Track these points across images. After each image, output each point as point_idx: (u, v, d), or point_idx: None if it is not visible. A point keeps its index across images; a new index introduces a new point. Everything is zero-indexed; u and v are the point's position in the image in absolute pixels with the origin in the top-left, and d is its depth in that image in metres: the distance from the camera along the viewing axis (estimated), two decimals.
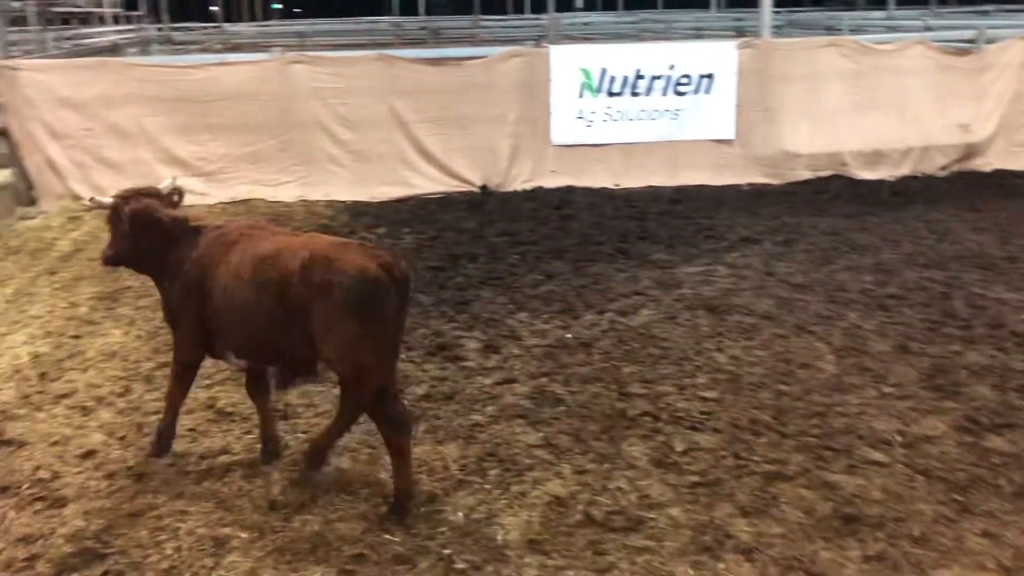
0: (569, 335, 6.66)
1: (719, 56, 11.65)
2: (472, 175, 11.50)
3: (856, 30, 18.88)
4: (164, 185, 5.06)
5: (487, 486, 4.62)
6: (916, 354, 6.23)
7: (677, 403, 5.52)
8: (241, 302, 4.41)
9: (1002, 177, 11.91)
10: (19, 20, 30.78)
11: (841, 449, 4.95)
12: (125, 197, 4.86)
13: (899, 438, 5.04)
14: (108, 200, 4.88)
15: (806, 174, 11.86)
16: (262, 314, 4.34)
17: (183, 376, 4.92)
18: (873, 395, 5.61)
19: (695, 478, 4.69)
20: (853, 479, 4.64)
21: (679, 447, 4.99)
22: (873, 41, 12.43)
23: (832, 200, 10.93)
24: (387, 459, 4.83)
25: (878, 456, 4.86)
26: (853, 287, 7.64)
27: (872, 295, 7.44)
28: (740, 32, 21.57)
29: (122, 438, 5.16)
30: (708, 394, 5.64)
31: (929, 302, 7.25)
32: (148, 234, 4.75)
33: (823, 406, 5.46)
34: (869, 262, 8.33)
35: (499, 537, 4.19)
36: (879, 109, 11.97)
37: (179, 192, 5.05)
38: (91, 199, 5.11)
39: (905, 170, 12.03)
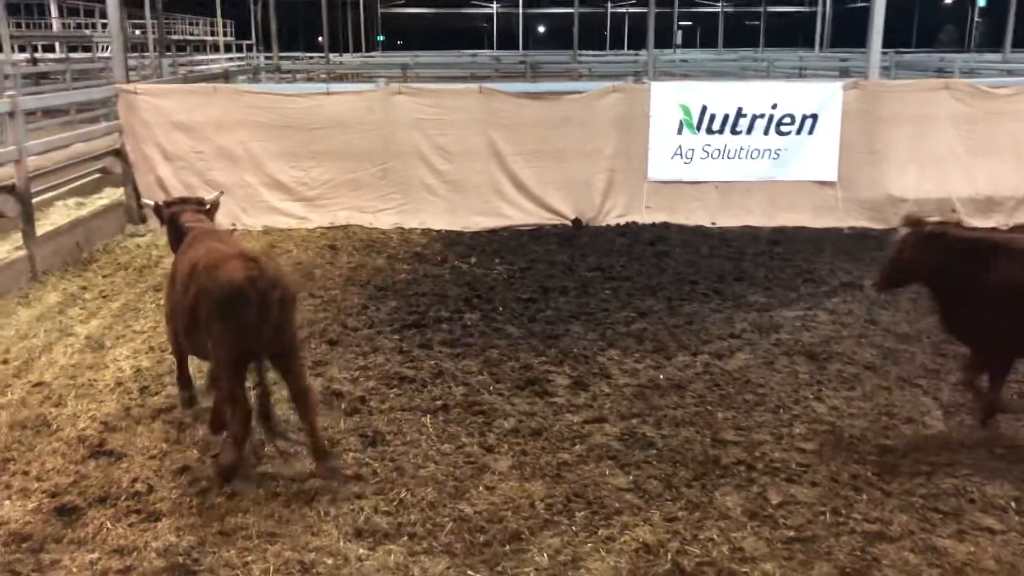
0: (662, 376, 6.53)
1: (824, 96, 11.39)
2: (566, 208, 11.48)
3: (969, 73, 18.29)
4: (211, 197, 6.13)
5: (574, 528, 4.52)
6: None
7: (773, 452, 5.32)
8: (184, 303, 4.99)
9: None
10: (139, 47, 32.51)
11: (950, 512, 4.67)
12: (169, 203, 5.98)
13: (1014, 504, 4.73)
14: (151, 203, 6.11)
15: None
16: (190, 315, 4.94)
17: (178, 362, 5.84)
18: (985, 456, 5.29)
19: (791, 533, 4.49)
20: (963, 545, 4.37)
21: (775, 499, 4.79)
22: (989, 84, 11.96)
23: None
24: (474, 492, 4.81)
25: (991, 522, 4.57)
26: None
27: None
28: (844, 73, 21.12)
29: (216, 456, 5.24)
30: (806, 445, 5.42)
31: None
32: (174, 235, 5.79)
33: (930, 465, 5.18)
34: None
35: None
36: (993, 155, 11.48)
37: (215, 204, 6.05)
38: (145, 201, 6.45)
39: (1021, 218, 11.49)
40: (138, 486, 4.91)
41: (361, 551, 4.29)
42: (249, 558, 4.24)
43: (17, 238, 9.10)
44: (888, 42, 12.78)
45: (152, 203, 6.04)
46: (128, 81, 11.72)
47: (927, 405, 6.03)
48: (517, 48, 49.07)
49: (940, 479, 5.01)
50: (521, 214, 11.47)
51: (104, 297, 8.44)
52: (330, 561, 4.21)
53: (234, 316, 4.61)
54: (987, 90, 11.59)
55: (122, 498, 4.78)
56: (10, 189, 8.82)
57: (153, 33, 30.25)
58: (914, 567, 4.20)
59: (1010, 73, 17.19)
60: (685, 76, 26.10)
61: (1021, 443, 5.45)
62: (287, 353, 4.86)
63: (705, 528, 4.52)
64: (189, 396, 5.89)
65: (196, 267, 4.85)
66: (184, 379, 5.90)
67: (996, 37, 32.90)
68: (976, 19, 47.75)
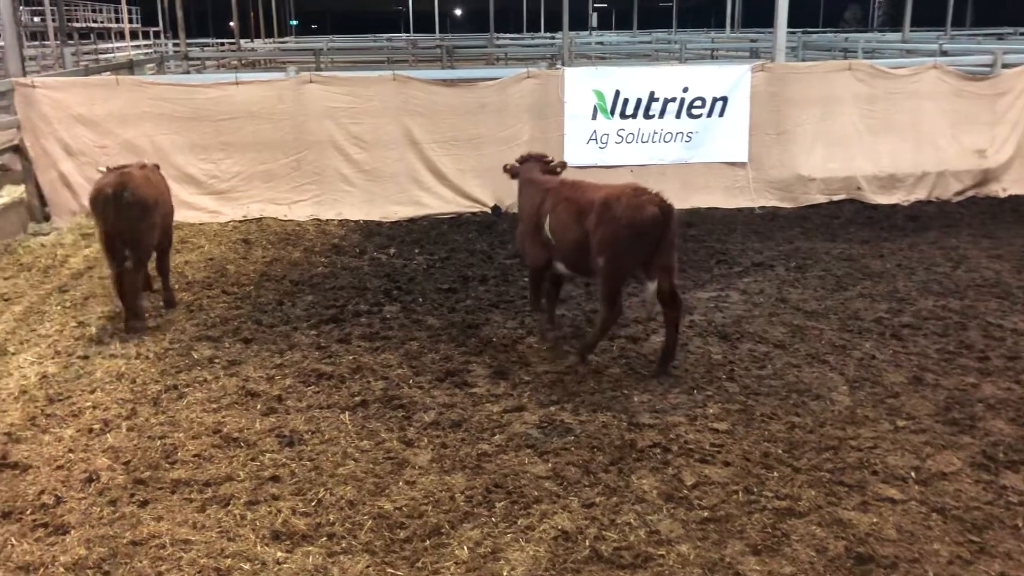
0: (579, 361, 6.60)
1: (733, 79, 11.62)
2: (484, 196, 11.48)
3: (871, 52, 18.86)
4: (143, 161, 8.06)
5: (494, 519, 4.55)
6: (931, 386, 6.13)
7: (688, 434, 5.44)
8: None
9: (1017, 203, 11.82)
10: (38, 35, 31.18)
11: (854, 485, 4.85)
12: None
13: (914, 474, 4.94)
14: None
15: (820, 198, 11.81)
16: None
17: None
18: (887, 428, 5.51)
19: (705, 513, 4.60)
20: (867, 517, 4.55)
21: (689, 480, 4.91)
22: (888, 65, 12.36)
23: (846, 225, 10.85)
24: (394, 488, 4.79)
25: (892, 493, 4.77)
26: (867, 315, 7.55)
27: (887, 324, 7.34)
28: (755, 53, 21.59)
29: (127, 463, 5.12)
30: (719, 425, 5.56)
31: (944, 332, 7.16)
32: None
33: (836, 439, 5.37)
34: (884, 290, 8.24)
35: (505, 573, 4.12)
36: (894, 133, 11.93)
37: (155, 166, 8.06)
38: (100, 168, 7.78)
39: (920, 195, 11.96)
40: (45, 498, 4.75)
41: (279, 554, 4.24)
42: (163, 567, 4.15)
43: None
44: (796, 22, 13.12)
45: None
46: (25, 73, 11.26)
47: (834, 381, 6.24)
48: (434, 32, 48.67)
49: (846, 453, 5.20)
50: (440, 202, 11.43)
51: (6, 300, 8.11)
52: (247, 566, 4.15)
53: (100, 213, 7.00)
54: (887, 70, 12.00)
55: (28, 512, 4.63)
56: None
57: (53, 21, 29.03)
58: (821, 540, 4.35)
59: (909, 53, 17.79)
60: (601, 59, 26.31)
61: (920, 415, 5.68)
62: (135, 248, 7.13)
63: (622, 512, 4.60)
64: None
65: None
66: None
67: (897, 17, 34.01)
68: None
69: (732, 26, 38.89)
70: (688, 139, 11.63)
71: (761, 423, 5.60)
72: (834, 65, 12.57)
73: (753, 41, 25.41)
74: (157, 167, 8.04)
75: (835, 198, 11.82)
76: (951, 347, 6.83)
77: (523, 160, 7.31)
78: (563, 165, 7.33)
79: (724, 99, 11.57)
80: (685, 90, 11.54)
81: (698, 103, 11.58)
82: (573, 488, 4.84)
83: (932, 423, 5.57)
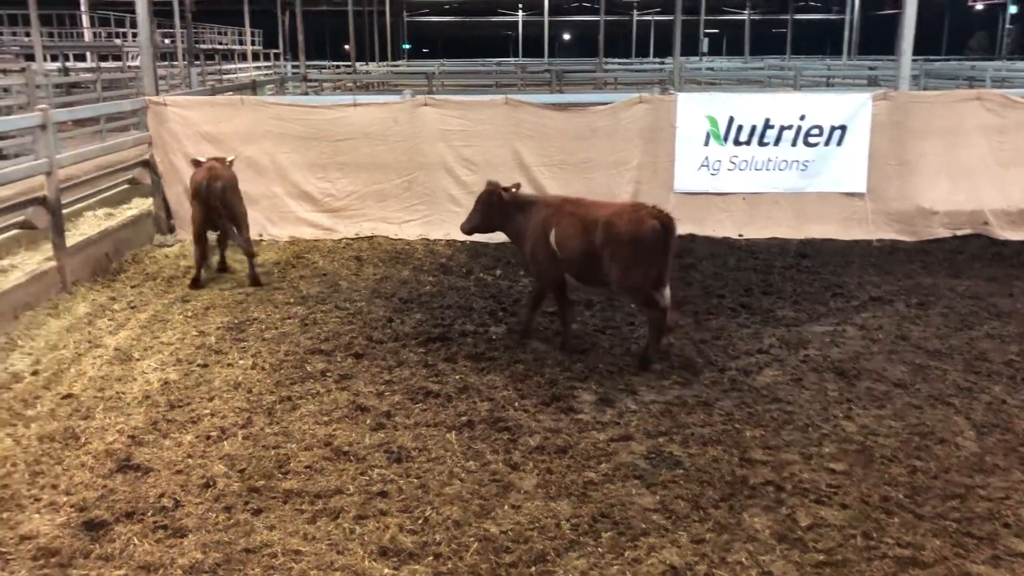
0: (686, 392, 6.46)
1: (853, 107, 11.27)
2: None
3: (1000, 82, 18.05)
4: (228, 158, 9.61)
5: (600, 549, 4.48)
6: None
7: (802, 473, 5.25)
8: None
9: None
10: (168, 55, 32.88)
11: (984, 537, 4.58)
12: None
13: None
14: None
15: (943, 232, 11.31)
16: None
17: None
18: (1020, 479, 5.19)
19: (821, 556, 4.42)
20: (998, 572, 4.28)
21: (804, 521, 4.72)
22: (1021, 95, 11.78)
23: (971, 261, 10.35)
24: (499, 511, 4.77)
25: None
26: (996, 357, 7.15)
27: (1017, 367, 6.94)
28: (873, 81, 20.96)
29: (242, 471, 5.26)
30: (836, 465, 5.34)
31: None
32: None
33: (963, 487, 5.08)
34: (1014, 331, 7.80)
35: None
36: None
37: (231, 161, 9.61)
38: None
39: None
40: (165, 501, 4.93)
41: (386, 571, 4.27)
42: None
43: (48, 249, 9.18)
44: (916, 49, 12.58)
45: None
46: (157, 92, 11.83)
47: (960, 424, 5.93)
48: (542, 56, 49.10)
49: (974, 502, 4.92)
50: None
51: (132, 308, 8.50)
52: None
53: (201, 197, 8.83)
54: (1020, 100, 11.43)
55: (149, 513, 4.80)
56: (41, 200, 8.90)
57: (182, 42, 30.57)
58: None
59: None
60: (711, 84, 26.02)
61: None
62: (234, 219, 9.10)
63: (733, 551, 4.46)
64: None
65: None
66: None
67: None
68: (1007, 26, 47.18)
69: (849, 53, 37.88)
70: (804, 168, 11.33)
71: (881, 465, 5.35)
72: (962, 94, 12.07)
73: (872, 69, 24.67)
74: (231, 162, 9.59)
75: (959, 232, 11.29)
76: None
77: (502, 188, 7.52)
78: (518, 186, 7.75)
79: (843, 127, 11.23)
80: (802, 118, 11.25)
81: (815, 131, 11.27)
82: (682, 522, 4.72)
83: None
